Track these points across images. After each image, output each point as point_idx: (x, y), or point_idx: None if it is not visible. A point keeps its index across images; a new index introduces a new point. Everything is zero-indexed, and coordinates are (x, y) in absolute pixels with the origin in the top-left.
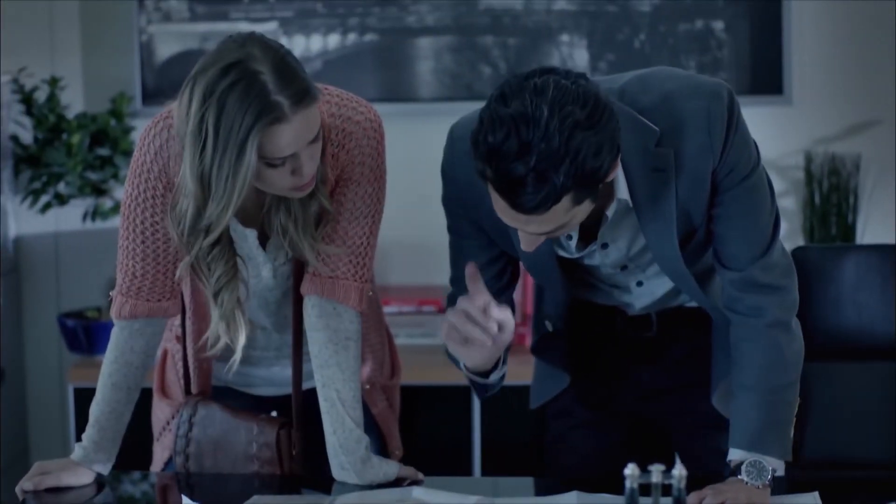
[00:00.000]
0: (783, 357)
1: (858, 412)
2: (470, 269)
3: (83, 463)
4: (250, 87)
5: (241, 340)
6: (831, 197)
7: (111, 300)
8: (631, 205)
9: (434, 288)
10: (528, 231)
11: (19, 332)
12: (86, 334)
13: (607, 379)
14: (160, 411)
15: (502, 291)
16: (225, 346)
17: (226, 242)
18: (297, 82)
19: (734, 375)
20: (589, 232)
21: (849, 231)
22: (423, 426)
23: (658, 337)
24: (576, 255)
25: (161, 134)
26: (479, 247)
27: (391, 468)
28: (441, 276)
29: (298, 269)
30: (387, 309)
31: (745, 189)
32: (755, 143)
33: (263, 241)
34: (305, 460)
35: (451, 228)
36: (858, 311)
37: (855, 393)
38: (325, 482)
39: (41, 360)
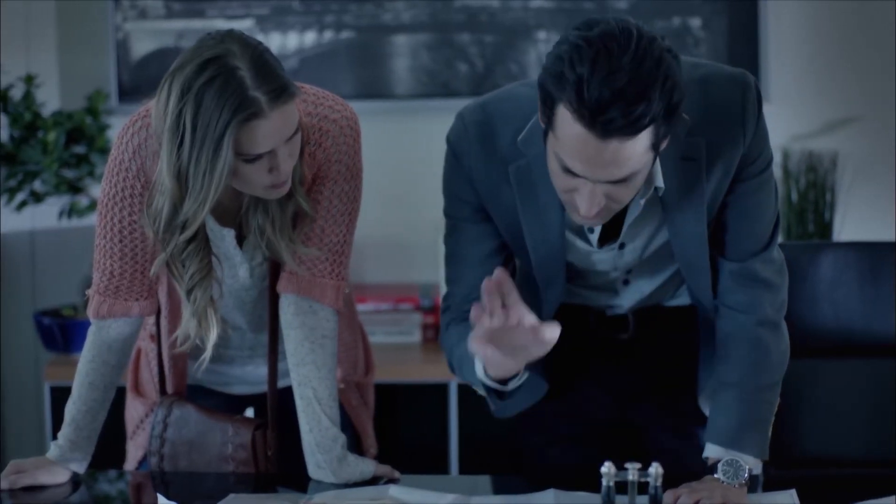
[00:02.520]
0: (769, 356)
1: (834, 410)
2: (499, 275)
3: (59, 462)
4: (228, 82)
5: (212, 339)
6: (808, 194)
7: (87, 299)
8: (660, 194)
9: (411, 286)
10: (601, 177)
11: None
12: (62, 332)
13: (583, 384)
14: (133, 410)
15: None
16: (196, 344)
17: (201, 240)
18: (275, 78)
19: (718, 371)
20: (610, 229)
21: (826, 228)
22: (400, 424)
23: (634, 338)
24: (594, 249)
25: (139, 132)
26: (483, 233)
27: (368, 466)
28: (417, 273)
29: (275, 269)
30: (363, 307)
31: (759, 182)
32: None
33: (241, 240)
34: (281, 460)
35: (453, 216)
36: (835, 309)
37: (831, 390)
38: (301, 480)
39: (17, 358)
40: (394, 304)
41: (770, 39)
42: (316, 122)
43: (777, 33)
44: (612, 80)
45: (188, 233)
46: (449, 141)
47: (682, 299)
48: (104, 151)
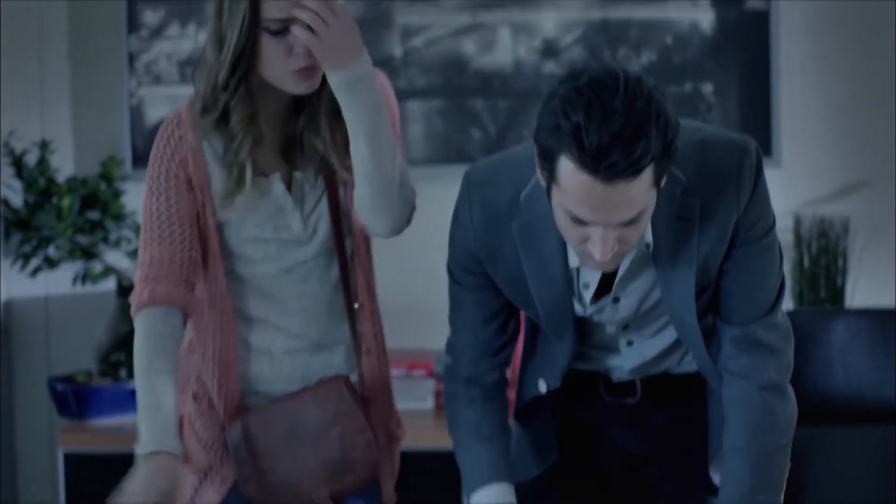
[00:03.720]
0: (776, 420)
1: (848, 476)
2: None
3: (173, 452)
4: None
5: (247, 183)
6: (820, 259)
7: (130, 304)
8: (651, 250)
9: (424, 352)
10: (612, 221)
11: (9, 396)
12: (76, 398)
13: (593, 448)
14: (184, 482)
15: (505, 346)
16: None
17: (243, 92)
18: None
19: (725, 437)
20: (604, 284)
21: (838, 294)
22: (413, 491)
23: (641, 404)
24: (589, 310)
25: (178, 128)
26: (481, 301)
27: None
28: (431, 340)
29: (338, 229)
30: None
31: (760, 247)
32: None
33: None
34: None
35: (455, 278)
36: (848, 375)
37: (845, 457)
38: None
39: (31, 424)
40: (407, 371)
41: (782, 104)
42: None
43: (789, 98)
44: (609, 124)
45: (222, 76)
46: (455, 206)
47: (691, 367)
48: (118, 217)
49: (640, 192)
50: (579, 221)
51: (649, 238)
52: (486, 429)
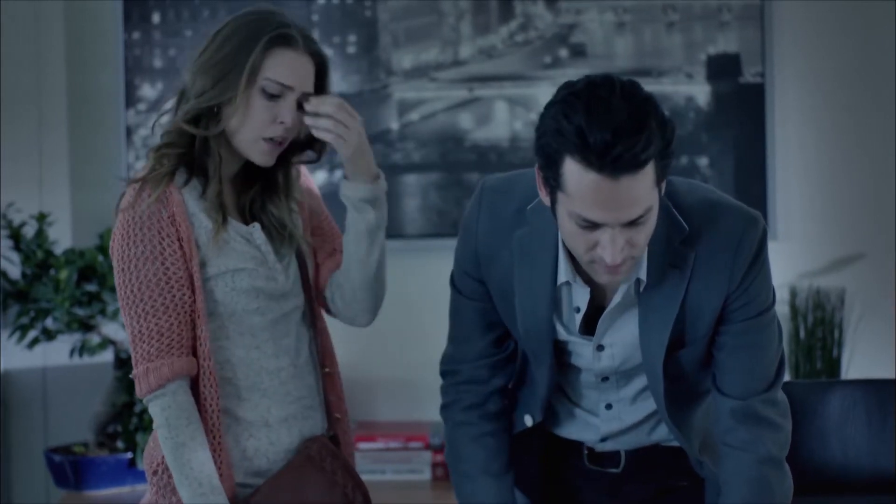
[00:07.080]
0: (773, 495)
1: None
2: None
3: None
4: (269, 15)
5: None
6: (816, 331)
7: (137, 378)
8: (642, 288)
9: (421, 424)
10: (621, 219)
11: (6, 467)
12: (73, 469)
13: None
14: None
15: (503, 364)
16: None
17: (218, 138)
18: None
19: None
20: (592, 321)
21: (834, 365)
22: None
23: (624, 474)
24: (575, 337)
25: (151, 188)
26: (480, 310)
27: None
28: (427, 412)
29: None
30: (373, 445)
31: (756, 324)
32: (773, 286)
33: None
34: None
35: (457, 286)
36: (844, 446)
37: None
38: None
39: (28, 495)
40: (404, 442)
41: (777, 177)
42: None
43: (784, 171)
44: (610, 121)
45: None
46: (466, 212)
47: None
48: (115, 290)
49: (645, 188)
50: (588, 226)
51: (643, 275)
52: (496, 466)
